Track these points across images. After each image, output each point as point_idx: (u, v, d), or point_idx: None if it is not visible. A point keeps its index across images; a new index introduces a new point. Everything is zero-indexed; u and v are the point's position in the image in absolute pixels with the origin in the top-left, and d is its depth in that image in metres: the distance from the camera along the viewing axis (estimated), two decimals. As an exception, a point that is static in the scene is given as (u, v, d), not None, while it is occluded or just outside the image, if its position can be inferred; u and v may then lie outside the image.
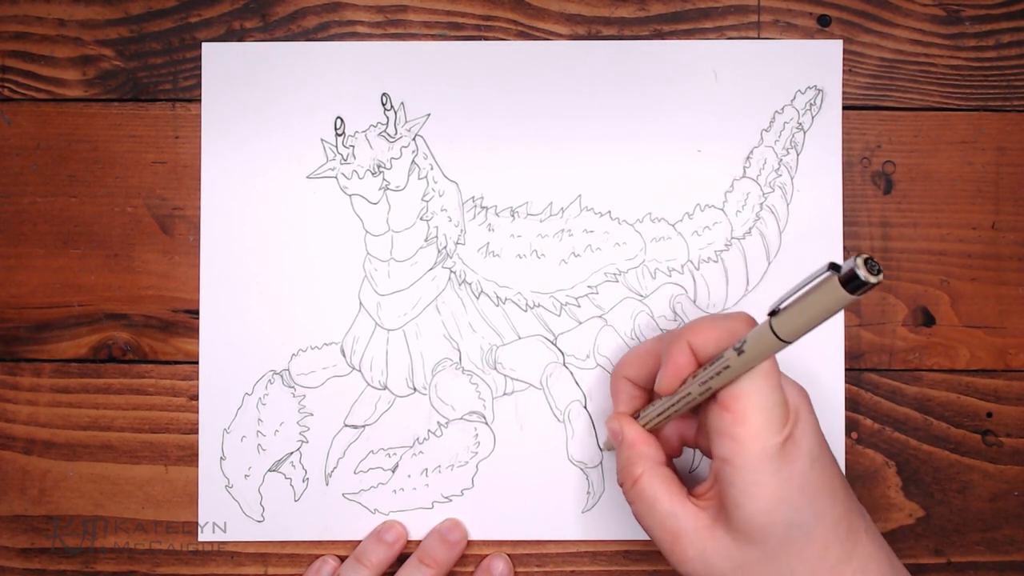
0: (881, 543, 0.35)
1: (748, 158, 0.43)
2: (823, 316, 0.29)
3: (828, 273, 0.28)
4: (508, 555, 0.43)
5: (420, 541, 0.43)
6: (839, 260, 0.43)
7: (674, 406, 0.36)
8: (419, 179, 0.43)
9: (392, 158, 0.43)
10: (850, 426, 0.43)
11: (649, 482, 0.36)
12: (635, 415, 0.38)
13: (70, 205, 0.44)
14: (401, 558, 0.43)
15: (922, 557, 0.43)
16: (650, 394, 0.39)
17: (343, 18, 0.44)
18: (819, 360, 0.43)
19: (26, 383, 0.44)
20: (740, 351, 0.32)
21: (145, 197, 0.44)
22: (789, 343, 0.30)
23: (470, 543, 0.43)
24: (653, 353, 0.38)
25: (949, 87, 0.43)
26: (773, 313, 0.30)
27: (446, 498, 0.43)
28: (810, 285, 0.29)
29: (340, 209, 0.43)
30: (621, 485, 0.37)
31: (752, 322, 0.34)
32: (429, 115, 0.43)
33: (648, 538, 0.43)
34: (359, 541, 0.43)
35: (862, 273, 0.27)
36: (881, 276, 0.27)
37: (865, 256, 0.27)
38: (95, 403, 0.44)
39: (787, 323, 0.30)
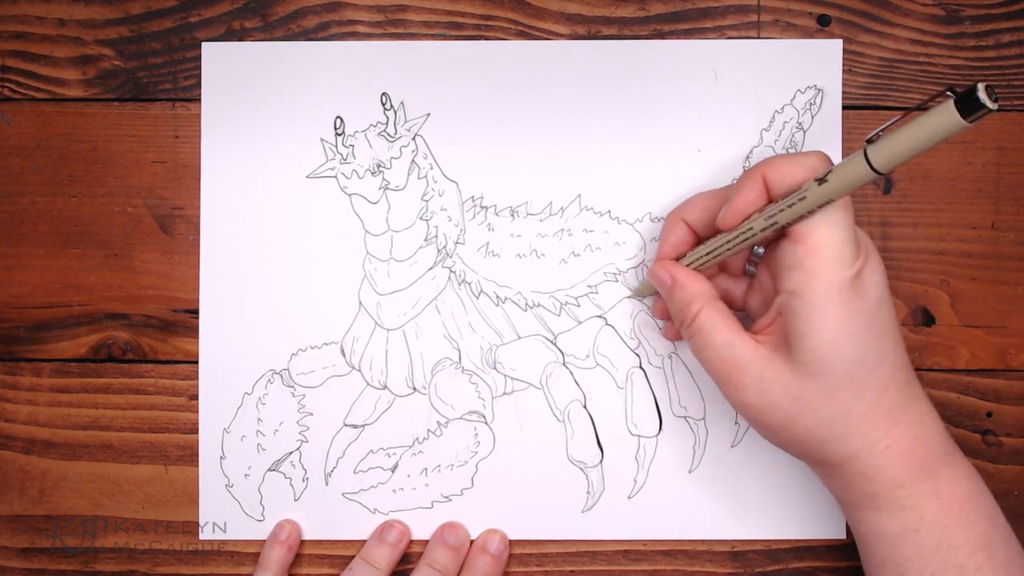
0: (932, 407, 0.36)
1: (748, 158, 0.43)
2: (927, 142, 0.28)
3: (946, 95, 0.27)
4: (508, 555, 0.43)
5: (423, 540, 0.43)
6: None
7: (728, 244, 0.35)
8: (419, 179, 0.43)
9: (392, 158, 0.43)
10: (850, 426, 0.43)
11: (708, 315, 0.36)
12: (679, 259, 0.39)
13: (70, 205, 0.44)
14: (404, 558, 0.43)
15: (922, 557, 0.43)
16: (700, 241, 0.39)
17: (343, 18, 0.44)
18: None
19: (26, 383, 0.44)
20: (823, 180, 0.31)
21: (145, 197, 0.44)
22: (882, 174, 0.30)
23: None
24: (719, 197, 0.38)
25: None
26: (871, 140, 0.30)
27: (446, 498, 0.43)
28: (915, 109, 0.28)
29: (340, 209, 0.43)
30: (680, 326, 0.37)
31: (827, 158, 0.34)
32: (429, 115, 0.43)
33: (647, 538, 0.43)
34: (359, 541, 0.43)
35: (982, 95, 0.26)
36: (998, 104, 0.27)
37: (987, 84, 0.27)
38: (95, 403, 0.44)
39: (886, 150, 0.29)
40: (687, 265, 0.38)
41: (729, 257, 0.37)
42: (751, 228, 0.34)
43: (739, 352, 0.35)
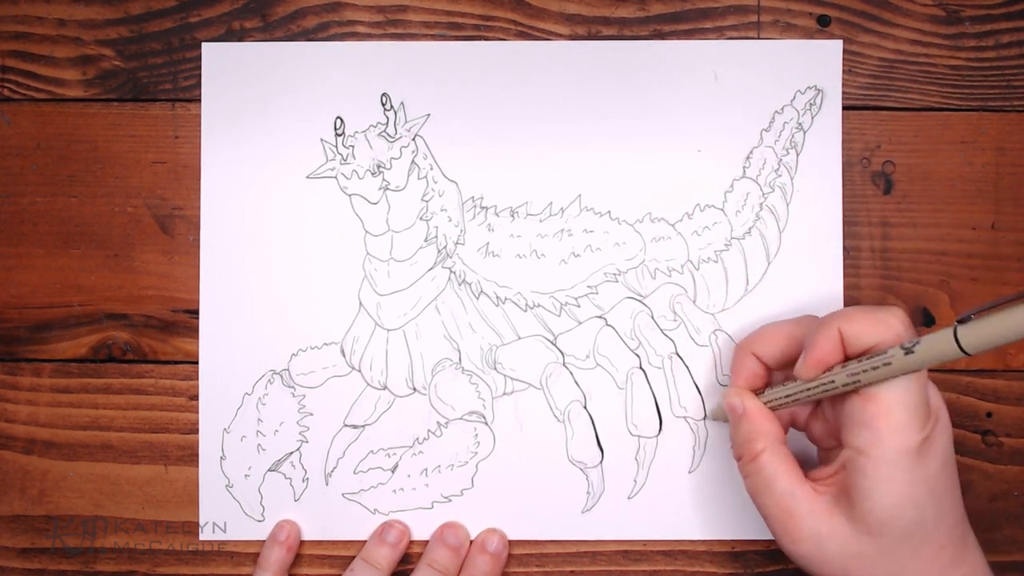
0: (981, 553, 0.36)
1: (748, 158, 0.43)
2: (1020, 333, 0.28)
3: None
4: (507, 554, 0.43)
5: (422, 540, 0.43)
6: (840, 260, 0.43)
7: (808, 391, 0.35)
8: (419, 179, 0.43)
9: (392, 158, 0.43)
10: (850, 426, 0.43)
11: (770, 459, 0.36)
12: (756, 392, 0.38)
13: (70, 205, 0.44)
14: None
15: (922, 557, 0.43)
16: (771, 374, 0.39)
17: (343, 18, 0.44)
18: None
19: (26, 383, 0.44)
20: (909, 351, 0.31)
21: (145, 197, 0.44)
22: (969, 355, 0.30)
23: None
24: (790, 335, 0.38)
25: (949, 87, 0.43)
26: (962, 321, 0.30)
27: (446, 498, 0.43)
28: (1012, 299, 0.29)
29: (340, 209, 0.43)
30: (739, 459, 0.37)
31: (905, 318, 0.34)
32: (429, 115, 0.43)
33: (647, 538, 0.43)
34: (359, 541, 0.43)
35: None
36: None
37: None
38: (95, 403, 0.44)
39: (976, 334, 0.29)
40: (766, 402, 0.38)
41: (805, 402, 0.36)
42: (832, 382, 0.34)
43: (798, 503, 0.35)
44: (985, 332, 0.29)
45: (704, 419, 0.43)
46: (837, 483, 0.35)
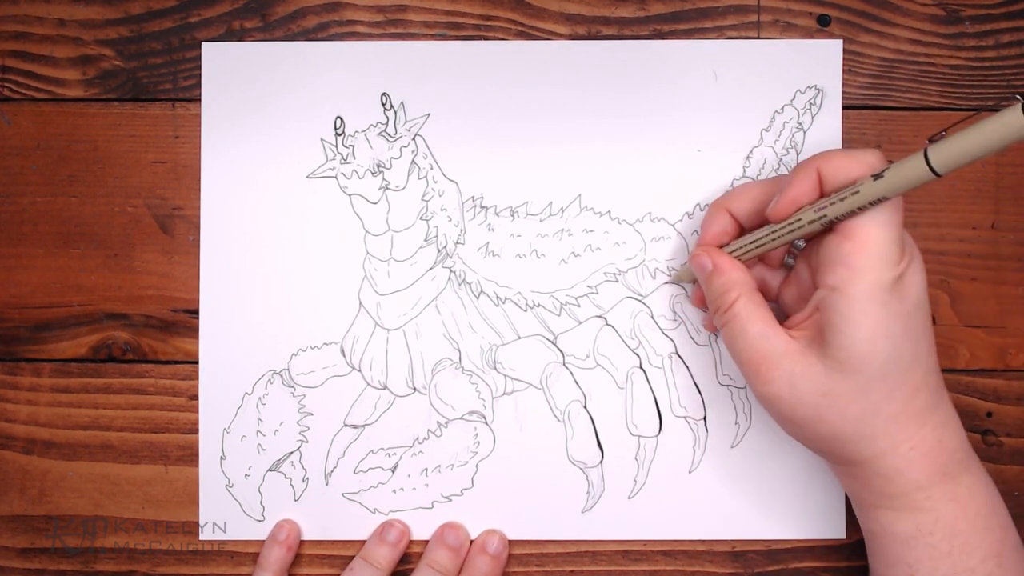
0: (954, 408, 0.36)
1: (748, 158, 0.43)
2: (990, 146, 0.28)
3: (1015, 99, 0.28)
4: (507, 555, 0.43)
5: (422, 540, 0.43)
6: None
7: (774, 235, 0.35)
8: (419, 179, 0.43)
9: (392, 158, 0.43)
10: (850, 426, 0.43)
11: (744, 305, 0.36)
12: (721, 248, 0.38)
13: (70, 205, 0.44)
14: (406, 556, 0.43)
15: (922, 557, 0.43)
16: (742, 232, 0.39)
17: (343, 18, 0.44)
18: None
19: (26, 383, 0.44)
20: (878, 176, 0.31)
21: (145, 197, 0.44)
22: (939, 175, 0.30)
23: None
24: (766, 190, 0.38)
25: (949, 87, 0.43)
26: (933, 140, 0.30)
27: (446, 498, 0.43)
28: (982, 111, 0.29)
29: (340, 209, 0.43)
30: (715, 312, 0.37)
31: (883, 157, 0.34)
32: (429, 115, 0.43)
33: (647, 538, 0.43)
34: (359, 541, 0.43)
35: None
36: None
37: None
38: (95, 403, 0.44)
39: (947, 151, 0.29)
40: (729, 253, 0.38)
41: (773, 249, 0.37)
42: (799, 220, 0.34)
43: (772, 344, 0.35)
44: (955, 148, 0.29)
45: (667, 282, 0.43)
46: (811, 325, 0.35)
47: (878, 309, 0.33)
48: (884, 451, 0.34)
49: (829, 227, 0.34)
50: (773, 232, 0.36)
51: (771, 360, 0.35)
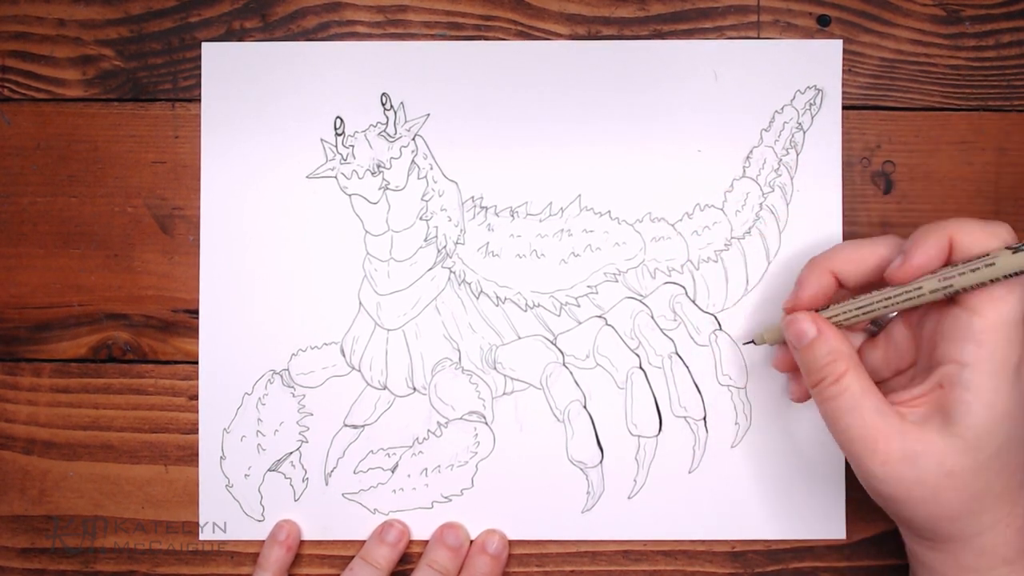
0: None
1: (748, 158, 0.43)
2: None
3: None
4: (507, 555, 0.43)
5: (422, 540, 0.43)
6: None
7: (888, 301, 0.34)
8: (419, 179, 0.43)
9: (392, 158, 0.43)
10: (850, 426, 0.43)
11: (856, 378, 0.34)
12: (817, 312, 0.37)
13: (70, 205, 0.44)
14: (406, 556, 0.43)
15: (922, 557, 0.43)
16: (840, 296, 0.37)
17: (343, 18, 0.44)
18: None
19: (26, 383, 0.44)
20: (1017, 250, 0.30)
21: (145, 197, 0.44)
22: None
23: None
24: (879, 254, 0.36)
25: (949, 87, 0.43)
26: None
27: (446, 498, 0.43)
28: None
29: (340, 209, 0.43)
30: (816, 384, 0.35)
31: (1013, 232, 0.33)
32: (429, 115, 0.43)
33: (647, 538, 0.43)
34: (359, 541, 0.43)
35: None
36: None
37: None
38: (95, 403, 0.44)
39: None
40: (830, 319, 0.36)
41: (878, 316, 0.35)
42: (919, 288, 0.33)
43: (889, 420, 0.33)
44: None
45: (747, 343, 0.42)
46: (930, 402, 0.34)
47: (1009, 388, 0.32)
48: (985, 528, 0.34)
49: (950, 299, 0.33)
50: (887, 298, 0.34)
51: (889, 438, 0.33)
